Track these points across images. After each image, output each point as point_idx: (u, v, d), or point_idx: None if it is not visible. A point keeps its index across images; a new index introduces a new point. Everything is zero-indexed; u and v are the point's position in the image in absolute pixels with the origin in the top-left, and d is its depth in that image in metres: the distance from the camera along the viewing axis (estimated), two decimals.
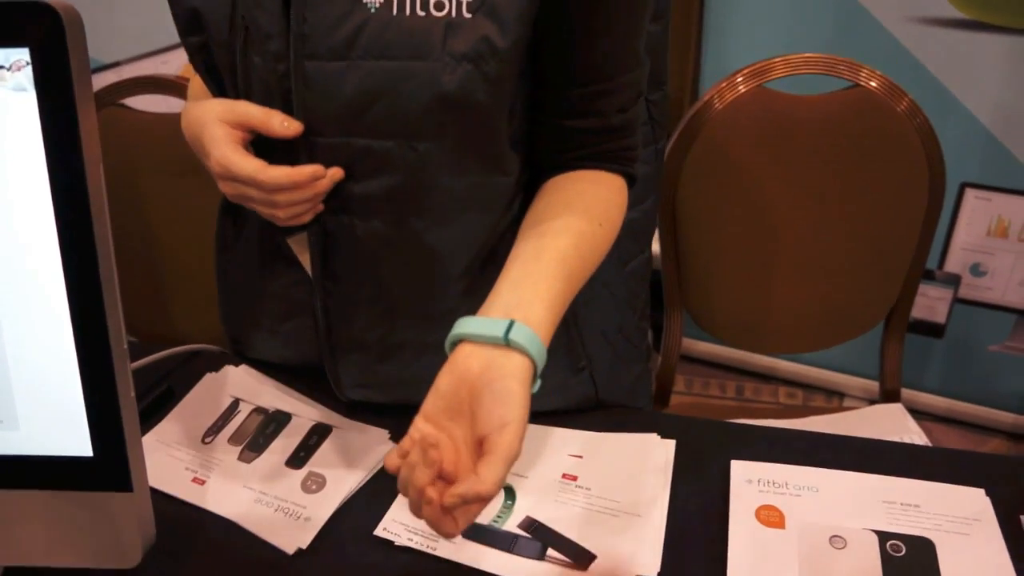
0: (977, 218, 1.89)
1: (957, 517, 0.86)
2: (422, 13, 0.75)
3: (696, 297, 1.44)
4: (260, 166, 0.79)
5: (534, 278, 0.76)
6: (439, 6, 0.76)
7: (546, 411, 0.98)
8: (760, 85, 1.32)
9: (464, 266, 0.89)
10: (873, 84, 1.30)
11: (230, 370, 1.05)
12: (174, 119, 1.36)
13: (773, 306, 1.42)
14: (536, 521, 0.86)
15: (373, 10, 0.76)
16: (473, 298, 0.78)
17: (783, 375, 2.30)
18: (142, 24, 1.77)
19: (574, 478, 0.91)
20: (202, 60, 0.87)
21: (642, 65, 0.86)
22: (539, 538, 0.84)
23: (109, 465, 0.66)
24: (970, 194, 1.88)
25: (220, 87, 0.88)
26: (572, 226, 0.81)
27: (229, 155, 0.80)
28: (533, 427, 0.96)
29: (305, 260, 0.92)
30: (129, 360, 0.65)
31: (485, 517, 0.86)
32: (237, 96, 0.85)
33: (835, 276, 1.39)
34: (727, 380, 2.33)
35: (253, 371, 1.05)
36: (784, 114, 1.32)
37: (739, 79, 1.32)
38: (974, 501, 0.88)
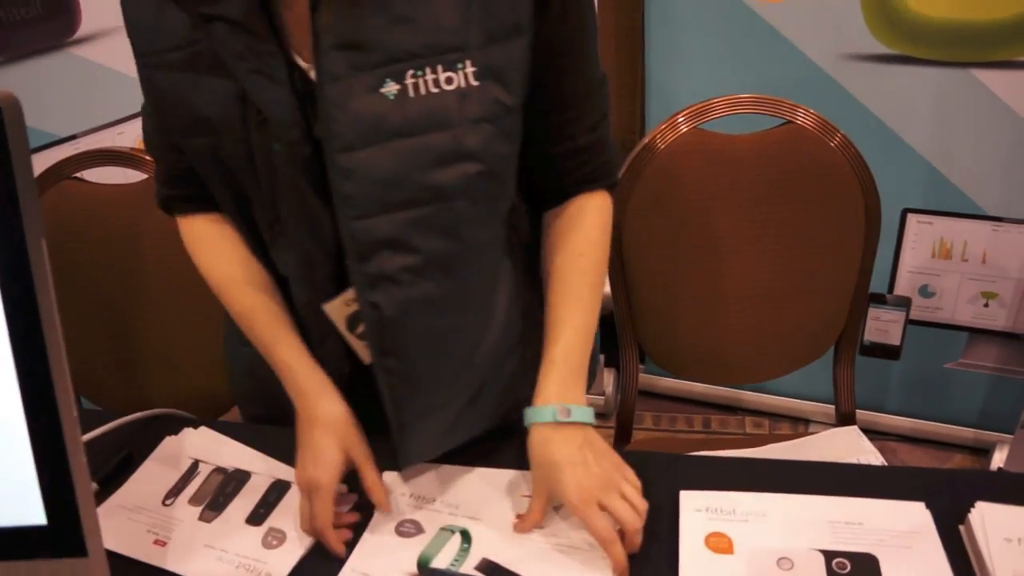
0: (921, 242, 1.95)
1: (899, 531, 0.89)
2: (435, 90, 0.84)
3: (649, 333, 1.47)
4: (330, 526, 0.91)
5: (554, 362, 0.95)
6: (449, 80, 0.84)
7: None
8: (698, 127, 1.37)
9: (502, 299, 1.00)
10: (806, 121, 1.35)
11: (189, 432, 1.07)
12: (130, 190, 1.39)
13: (724, 338, 1.46)
14: (492, 562, 0.88)
15: (392, 97, 0.83)
16: (509, 330, 1.00)
17: (749, 406, 2.34)
18: (98, 97, 1.81)
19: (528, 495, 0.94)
20: (208, 156, 0.92)
21: (600, 87, 0.97)
22: None
23: (63, 532, 0.67)
24: (912, 219, 1.94)
25: (227, 175, 0.94)
26: (567, 282, 0.98)
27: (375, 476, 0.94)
28: (485, 471, 0.99)
29: (341, 325, 0.98)
30: (80, 428, 0.67)
31: (442, 561, 0.88)
32: (255, 182, 0.92)
33: (783, 305, 1.44)
34: (694, 414, 2.36)
35: (212, 432, 1.07)
36: (722, 153, 1.37)
37: (680, 119, 1.37)
38: (915, 515, 0.91)
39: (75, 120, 1.79)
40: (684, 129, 1.36)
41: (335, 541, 0.90)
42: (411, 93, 0.84)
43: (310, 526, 0.91)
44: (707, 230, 1.40)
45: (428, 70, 0.83)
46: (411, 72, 0.83)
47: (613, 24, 2.05)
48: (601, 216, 1.01)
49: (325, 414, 0.95)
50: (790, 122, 1.36)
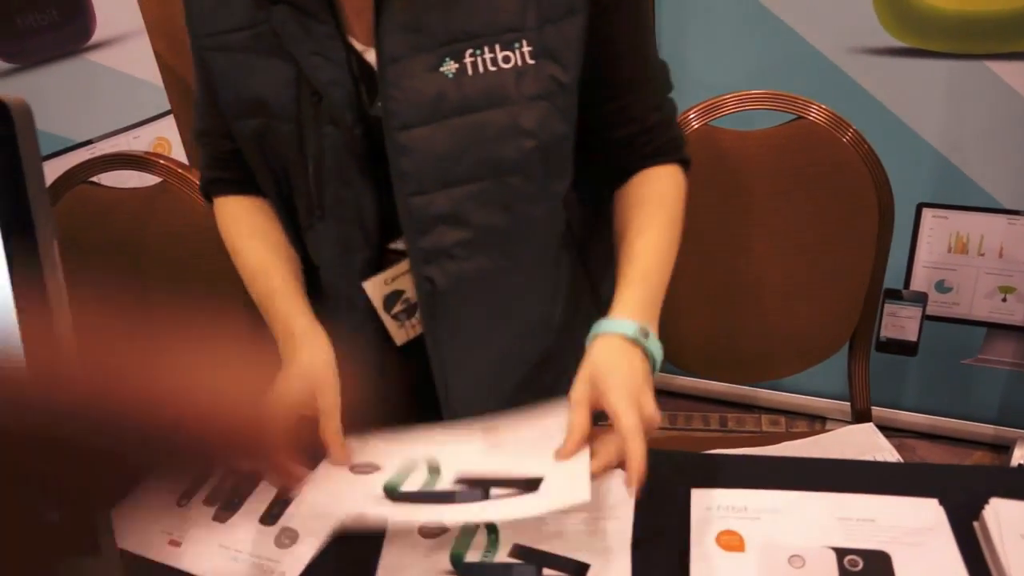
0: (937, 236, 1.94)
1: (912, 528, 0.88)
2: (493, 68, 0.87)
3: (663, 331, 1.46)
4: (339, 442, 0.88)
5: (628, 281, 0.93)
6: (506, 59, 0.87)
7: None
8: (708, 123, 1.37)
9: (552, 276, 1.01)
10: (818, 117, 1.35)
11: None
12: (144, 194, 1.40)
13: (738, 336, 1.46)
14: (524, 546, 0.89)
15: (451, 75, 0.87)
16: (555, 302, 1.01)
17: (765, 404, 2.33)
18: (113, 101, 1.82)
19: None
20: (258, 139, 0.95)
21: (659, 67, 1.00)
22: (532, 561, 0.87)
23: (75, 529, 0.68)
24: (927, 214, 1.93)
25: (274, 158, 0.96)
26: (642, 222, 0.96)
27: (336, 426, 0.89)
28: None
29: (378, 304, 0.99)
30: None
31: (474, 555, 0.88)
32: (301, 166, 0.94)
33: (797, 303, 1.43)
34: (710, 413, 2.35)
35: None
36: (733, 149, 1.37)
37: (691, 115, 1.37)
38: (928, 511, 0.90)
39: (91, 125, 1.81)
40: (695, 126, 1.36)
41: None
42: (469, 72, 0.87)
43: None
44: (720, 227, 1.40)
45: (486, 49, 0.87)
46: (470, 51, 0.87)
47: None
48: (675, 181, 1.00)
49: (305, 359, 0.92)
50: (801, 117, 1.35)
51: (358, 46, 0.91)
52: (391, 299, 1.00)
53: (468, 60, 0.87)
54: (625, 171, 1.01)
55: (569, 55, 0.89)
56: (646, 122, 0.99)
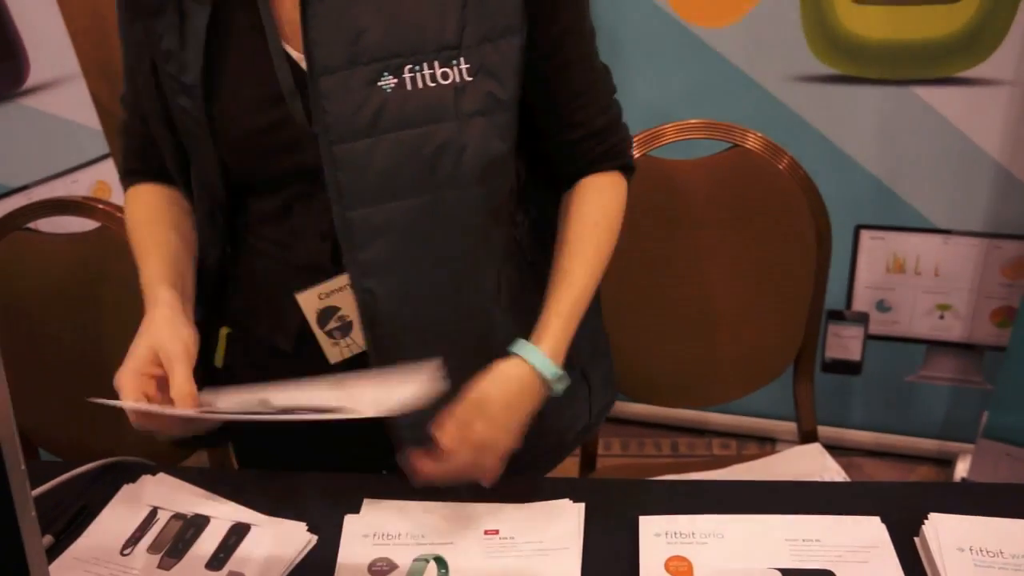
0: (875, 257, 1.99)
1: (856, 546, 0.90)
2: (432, 84, 0.88)
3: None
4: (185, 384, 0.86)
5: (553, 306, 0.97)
6: (445, 76, 0.88)
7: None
8: (647, 153, 1.39)
9: (496, 288, 1.01)
10: (754, 144, 1.38)
11: (147, 479, 1.06)
12: (84, 239, 1.38)
13: (683, 361, 1.47)
14: None
15: (389, 90, 0.87)
16: (502, 314, 1.00)
17: (716, 427, 2.35)
18: (49, 146, 1.80)
19: (496, 532, 0.94)
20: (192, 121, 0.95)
21: (603, 72, 1.03)
22: None
23: None
24: (865, 235, 1.97)
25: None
26: (580, 243, 1.01)
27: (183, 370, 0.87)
28: (444, 504, 0.99)
29: (311, 318, 0.98)
30: (28, 483, 0.66)
31: None
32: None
33: (741, 327, 1.45)
34: (661, 438, 2.37)
35: (170, 478, 1.06)
36: (671, 179, 1.39)
37: (632, 145, 1.39)
38: (871, 529, 0.92)
39: (27, 170, 1.78)
40: (635, 155, 1.38)
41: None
42: (408, 87, 0.87)
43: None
44: (662, 256, 1.42)
45: (425, 65, 0.87)
46: (408, 67, 0.87)
47: None
48: (616, 192, 1.05)
49: (151, 318, 0.93)
50: (738, 146, 1.38)
51: (294, 54, 0.91)
52: (325, 315, 0.98)
53: (407, 75, 0.87)
54: (572, 177, 1.04)
55: (507, 72, 0.91)
56: (593, 126, 1.01)
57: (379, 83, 0.87)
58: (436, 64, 0.88)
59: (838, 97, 1.84)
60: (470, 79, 0.89)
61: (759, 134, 1.37)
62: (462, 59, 0.88)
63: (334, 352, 1.00)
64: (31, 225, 1.41)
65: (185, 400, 0.85)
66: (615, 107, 1.05)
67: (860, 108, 1.84)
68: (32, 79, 1.76)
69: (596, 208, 1.03)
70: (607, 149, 1.04)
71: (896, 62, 1.77)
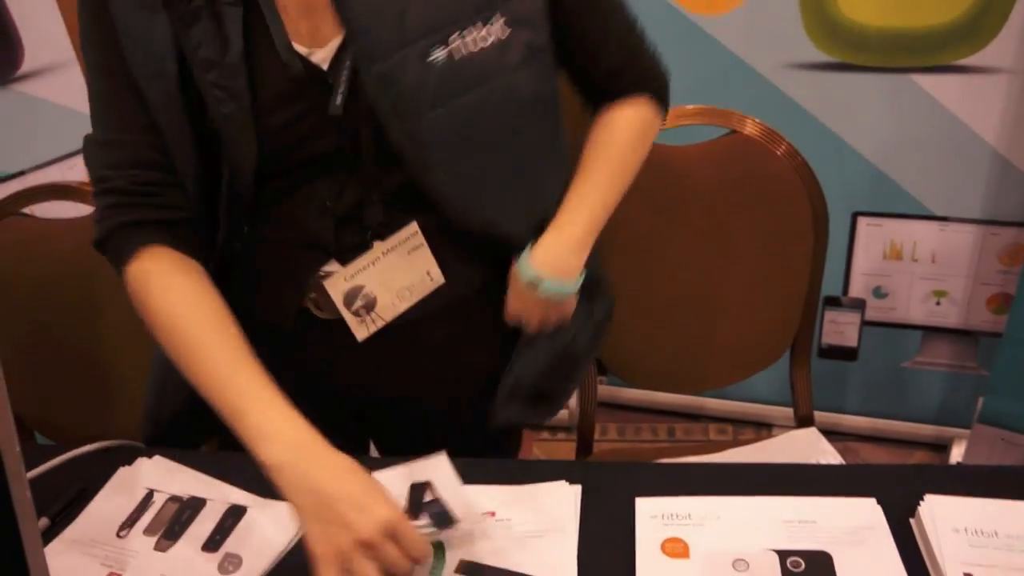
0: (872, 244, 1.99)
1: (852, 528, 0.90)
2: (478, 48, 0.91)
3: (605, 346, 1.47)
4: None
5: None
6: (488, 35, 0.91)
7: None
8: None
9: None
10: (752, 131, 1.37)
11: (143, 462, 1.06)
12: (79, 224, 1.38)
13: (681, 347, 1.47)
14: (471, 562, 0.89)
15: (441, 63, 0.89)
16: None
17: (712, 412, 2.36)
18: (45, 132, 1.79)
19: (492, 514, 0.94)
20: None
21: (620, 8, 1.05)
22: None
23: (9, 573, 0.66)
24: (862, 222, 1.97)
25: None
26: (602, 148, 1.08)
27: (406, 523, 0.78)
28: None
29: (338, 300, 1.00)
30: (23, 465, 0.66)
31: (421, 571, 0.88)
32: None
33: (737, 312, 1.45)
34: (658, 423, 2.37)
35: (166, 461, 1.06)
36: (669, 164, 1.39)
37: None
38: (867, 511, 0.92)
39: (22, 156, 1.78)
40: None
41: None
42: (457, 56, 0.90)
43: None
44: (660, 241, 1.42)
45: (470, 30, 0.89)
46: (454, 35, 0.89)
47: None
48: (640, 115, 1.09)
49: (340, 458, 0.82)
50: (736, 132, 1.38)
51: (301, 49, 0.91)
52: (351, 295, 1.01)
53: (454, 44, 0.89)
54: (604, 101, 1.09)
55: (538, 17, 0.94)
56: (614, 58, 1.05)
57: (430, 58, 0.89)
58: (479, 25, 0.90)
59: (836, 84, 1.84)
60: (509, 30, 0.92)
61: (757, 120, 1.37)
62: (498, 13, 0.91)
63: (361, 330, 1.04)
64: (27, 210, 1.41)
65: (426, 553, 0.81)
66: (633, 38, 1.07)
67: (858, 95, 1.84)
68: (26, 65, 1.75)
69: (616, 131, 1.08)
70: (633, 76, 1.08)
71: (894, 50, 1.77)
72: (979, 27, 1.69)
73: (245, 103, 0.89)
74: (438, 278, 1.04)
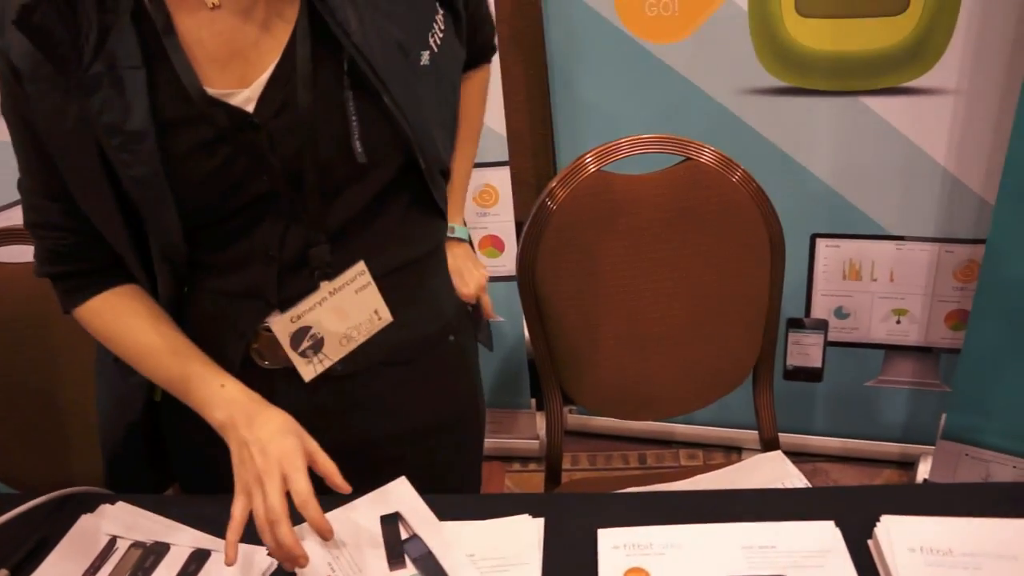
0: (831, 265, 2.02)
1: (810, 551, 0.91)
2: (442, 34, 0.96)
3: (571, 375, 1.49)
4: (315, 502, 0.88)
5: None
6: (444, 20, 0.97)
7: None
8: (601, 169, 1.40)
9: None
10: (708, 158, 1.40)
11: (106, 508, 1.05)
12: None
13: (645, 374, 1.49)
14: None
15: (429, 63, 0.94)
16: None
17: (682, 438, 2.37)
18: (6, 174, 1.78)
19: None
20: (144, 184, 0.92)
21: None
22: None
23: None
24: (821, 243, 2.00)
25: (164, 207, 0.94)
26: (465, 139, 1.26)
27: (307, 482, 0.89)
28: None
29: (285, 342, 1.00)
30: None
31: None
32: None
33: (699, 337, 1.47)
34: (629, 451, 2.38)
35: (129, 506, 1.05)
36: (626, 193, 1.41)
37: (588, 159, 1.40)
38: (825, 534, 0.93)
39: None
40: (592, 169, 1.40)
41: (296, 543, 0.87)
42: (436, 49, 0.94)
43: (280, 509, 0.87)
44: (617, 270, 1.43)
45: (437, 22, 0.94)
46: (430, 34, 0.93)
47: (523, 76, 2.11)
48: (484, 87, 1.28)
49: (274, 412, 0.95)
50: (690, 159, 1.40)
51: (217, 93, 0.89)
52: (298, 336, 1.00)
53: (431, 41, 0.93)
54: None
55: None
56: (486, 28, 1.16)
57: (421, 63, 0.92)
58: (438, 18, 0.95)
59: (789, 109, 1.87)
60: (442, 12, 0.96)
61: (712, 148, 1.40)
62: (436, 2, 0.95)
63: (308, 370, 1.03)
64: None
65: (343, 485, 0.91)
66: (484, 4, 1.14)
67: (811, 119, 1.87)
68: None
69: (474, 103, 1.24)
70: (488, 50, 1.21)
71: (844, 73, 1.81)
72: (924, 50, 1.74)
73: (155, 164, 0.88)
74: (386, 317, 1.04)
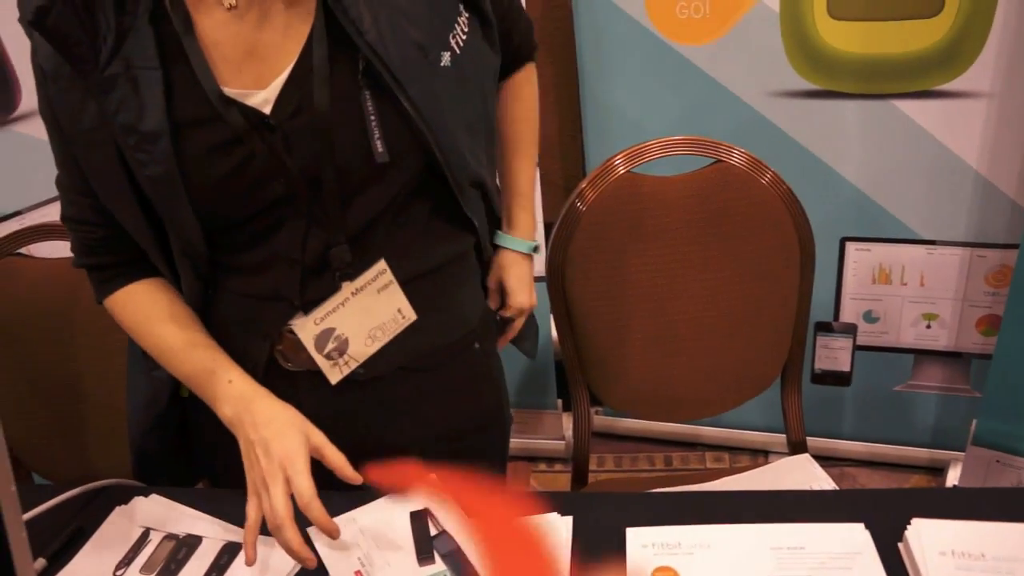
0: (861, 269, 2.01)
1: (840, 553, 0.91)
2: (465, 35, 0.96)
3: (598, 376, 1.49)
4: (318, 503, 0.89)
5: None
6: (463, 31, 0.96)
7: None
8: (631, 171, 1.41)
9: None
10: (737, 160, 1.40)
11: (139, 501, 1.07)
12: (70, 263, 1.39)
13: (672, 376, 1.49)
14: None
15: (451, 64, 0.93)
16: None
17: (708, 441, 2.36)
18: (42, 172, 1.81)
19: None
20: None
21: None
22: None
23: None
24: (851, 247, 1.99)
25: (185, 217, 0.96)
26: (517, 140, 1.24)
27: (309, 482, 0.89)
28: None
29: (310, 345, 1.01)
30: (19, 506, 0.67)
31: None
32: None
33: (727, 340, 1.47)
34: (655, 453, 2.38)
35: (162, 499, 1.07)
36: (655, 195, 1.41)
37: (617, 161, 1.41)
38: (855, 536, 0.93)
39: (20, 196, 1.79)
40: (621, 171, 1.40)
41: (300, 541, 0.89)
42: (459, 51, 0.93)
43: (284, 514, 0.88)
44: (646, 271, 1.44)
45: (459, 23, 0.93)
46: (451, 35, 0.92)
47: (552, 76, 2.12)
48: (533, 87, 1.24)
49: (278, 408, 0.95)
50: (721, 161, 1.40)
51: (234, 93, 0.90)
52: (322, 338, 1.01)
53: (453, 42, 0.92)
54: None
55: None
56: (520, 30, 1.14)
57: (441, 64, 0.92)
58: (460, 20, 0.94)
59: (820, 111, 1.87)
60: (467, 15, 0.95)
61: (742, 150, 1.39)
62: (460, 5, 0.94)
63: (334, 373, 1.03)
64: (23, 250, 1.42)
65: (354, 475, 0.92)
66: (516, 4, 1.12)
67: (842, 122, 1.86)
68: (24, 106, 1.77)
69: (523, 106, 1.22)
70: (526, 53, 1.18)
71: (876, 76, 1.80)
72: (957, 53, 1.72)
73: (170, 164, 0.89)
74: (409, 315, 1.04)
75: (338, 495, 0.96)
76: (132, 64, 0.86)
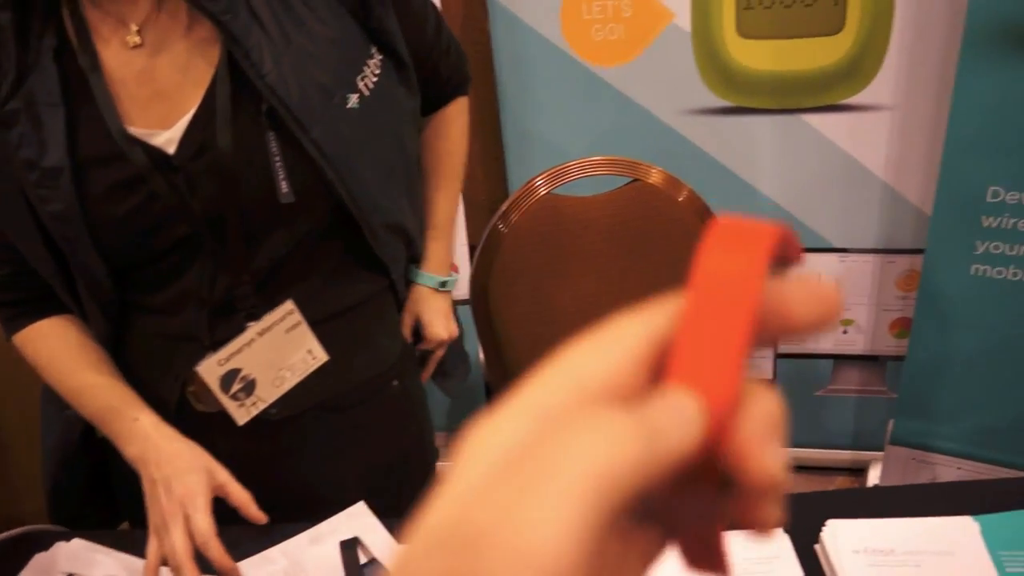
0: None
1: (759, 557, 0.94)
2: (372, 84, 0.95)
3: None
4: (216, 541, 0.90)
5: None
6: (374, 72, 0.95)
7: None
8: (551, 192, 1.44)
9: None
10: (655, 179, 1.43)
11: (61, 546, 1.04)
12: None
13: None
14: None
15: (358, 105, 0.93)
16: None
17: None
18: None
19: None
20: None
21: (424, 6, 1.06)
22: None
23: None
24: None
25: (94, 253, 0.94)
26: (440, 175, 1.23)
27: (208, 521, 0.90)
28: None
29: (215, 386, 0.99)
30: None
31: None
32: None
33: None
34: None
35: (85, 543, 1.04)
36: (575, 215, 1.44)
37: (539, 182, 1.43)
38: (774, 540, 0.96)
39: None
40: (542, 192, 1.43)
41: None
42: (367, 92, 0.93)
43: (183, 553, 0.88)
44: (570, 290, 1.46)
45: (363, 68, 0.92)
46: (359, 76, 0.92)
47: (472, 98, 2.12)
48: (465, 118, 1.24)
49: (182, 447, 0.95)
50: (638, 180, 1.43)
51: (139, 132, 0.90)
52: (227, 379, 0.99)
53: (361, 84, 0.92)
54: (430, 104, 1.16)
55: (398, 40, 0.98)
56: (436, 66, 1.11)
57: (348, 106, 0.91)
58: (369, 63, 0.93)
59: (734, 128, 1.92)
60: (380, 57, 0.95)
61: (659, 168, 1.43)
62: (374, 48, 0.94)
63: (241, 413, 1.01)
64: None
65: (258, 515, 0.94)
66: (454, 42, 1.14)
67: (755, 137, 1.92)
68: None
69: (449, 141, 1.21)
70: (455, 85, 1.18)
71: (785, 92, 1.86)
72: (859, 68, 1.79)
73: (71, 201, 0.88)
74: (320, 356, 1.03)
75: (278, 528, 0.96)
76: (34, 100, 0.86)
